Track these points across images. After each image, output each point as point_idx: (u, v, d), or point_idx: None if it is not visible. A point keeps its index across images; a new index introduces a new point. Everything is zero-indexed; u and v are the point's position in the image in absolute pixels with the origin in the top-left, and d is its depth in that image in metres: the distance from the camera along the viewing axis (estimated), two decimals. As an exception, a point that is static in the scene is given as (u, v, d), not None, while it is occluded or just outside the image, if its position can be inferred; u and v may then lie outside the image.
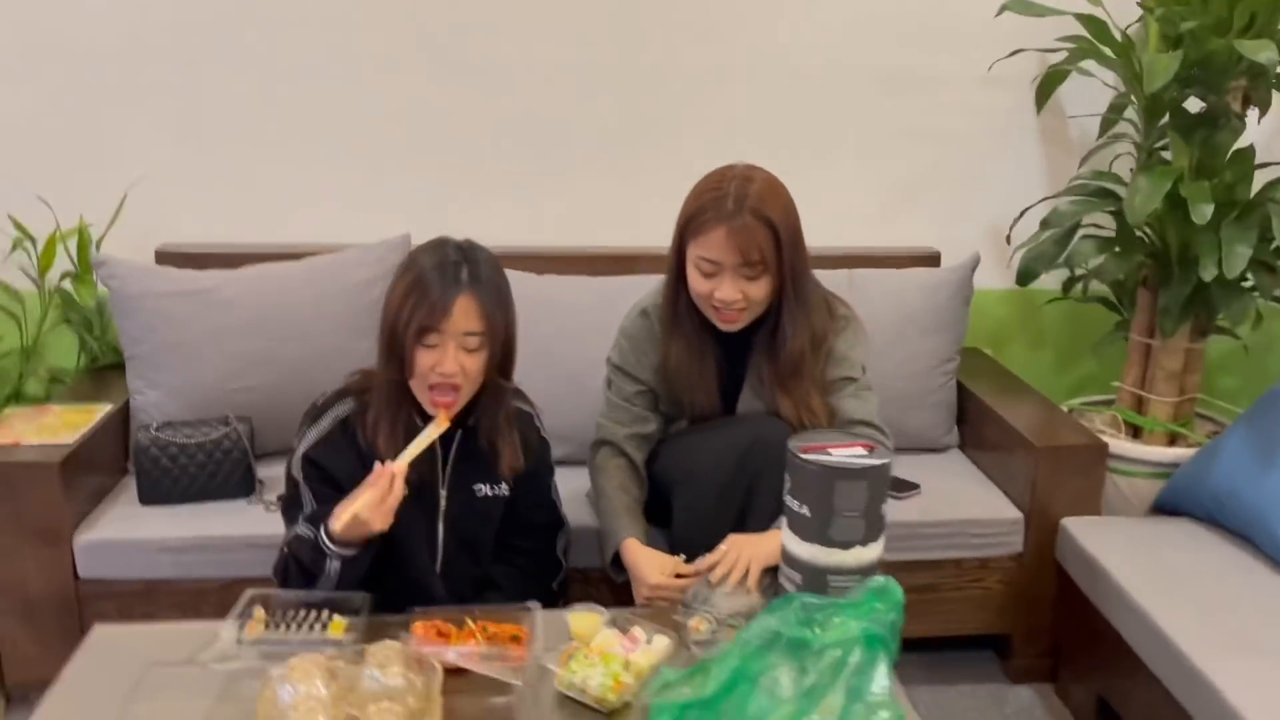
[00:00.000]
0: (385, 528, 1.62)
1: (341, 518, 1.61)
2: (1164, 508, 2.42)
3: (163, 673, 1.52)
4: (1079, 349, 2.99)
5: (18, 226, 2.51)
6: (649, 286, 2.07)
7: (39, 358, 2.63)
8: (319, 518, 1.68)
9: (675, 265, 1.90)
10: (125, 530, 2.17)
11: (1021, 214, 2.70)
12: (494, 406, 1.80)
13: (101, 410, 2.33)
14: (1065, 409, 2.72)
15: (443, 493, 1.80)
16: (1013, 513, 2.35)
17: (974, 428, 2.62)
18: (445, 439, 1.79)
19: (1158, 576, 2.09)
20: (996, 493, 2.42)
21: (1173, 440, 2.66)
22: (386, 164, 2.71)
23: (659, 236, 1.95)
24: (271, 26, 2.60)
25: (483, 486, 1.83)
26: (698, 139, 2.75)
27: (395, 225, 2.52)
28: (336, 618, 1.59)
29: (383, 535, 1.65)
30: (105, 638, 1.63)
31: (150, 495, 2.24)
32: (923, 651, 2.50)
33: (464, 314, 1.67)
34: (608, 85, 2.72)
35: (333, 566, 1.66)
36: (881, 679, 1.36)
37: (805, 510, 1.50)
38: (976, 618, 2.39)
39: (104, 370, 2.58)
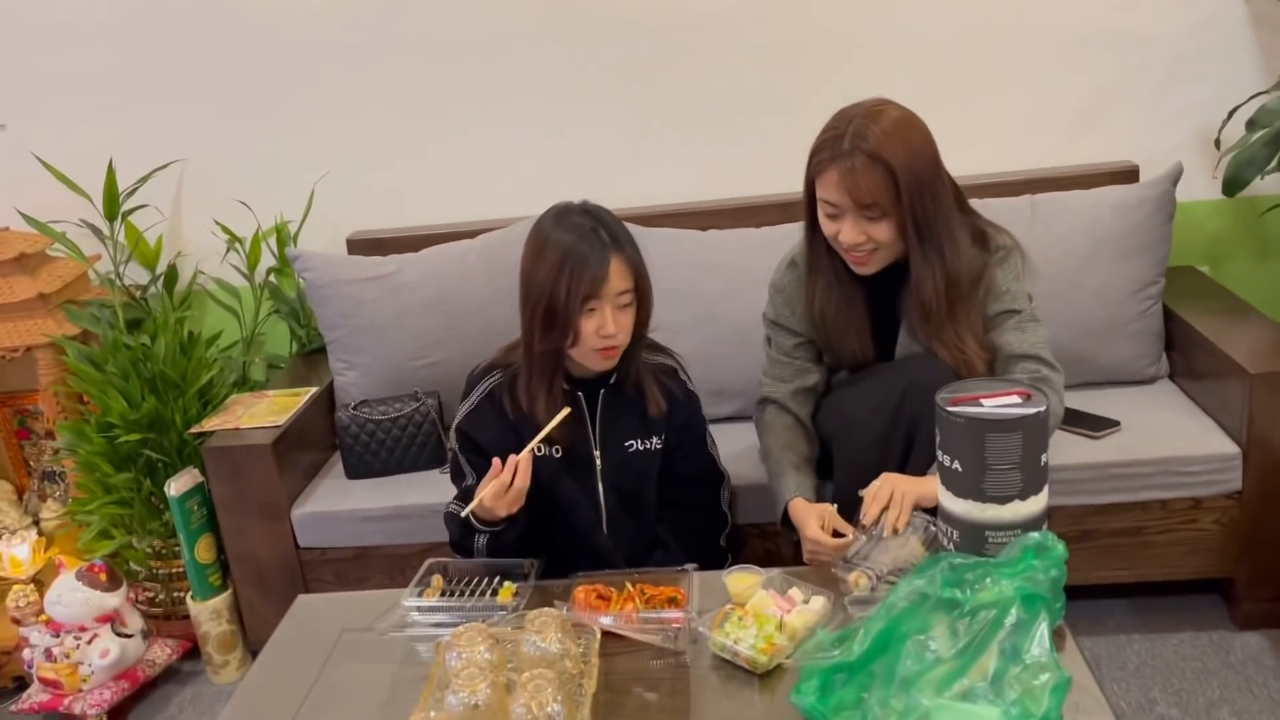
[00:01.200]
0: (510, 513, 1.72)
1: (473, 503, 1.72)
2: None
3: (354, 638, 1.65)
4: (1313, 259, 2.67)
5: (225, 230, 2.75)
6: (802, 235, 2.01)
7: (258, 346, 2.87)
8: (468, 494, 1.79)
9: (808, 207, 1.84)
10: (335, 503, 2.35)
11: (1230, 114, 2.42)
12: (634, 353, 1.84)
13: (308, 392, 2.52)
14: (1295, 328, 2.45)
15: (596, 453, 1.86)
16: (1228, 447, 2.14)
17: (1185, 355, 2.40)
18: (590, 399, 1.85)
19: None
20: (1209, 426, 2.21)
21: None
22: (547, 135, 2.76)
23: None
24: (428, 10, 2.69)
25: (634, 442, 1.87)
26: (858, 68, 2.64)
27: (557, 195, 2.56)
28: (506, 583, 1.68)
29: (526, 512, 1.73)
30: (306, 606, 1.78)
31: (355, 469, 2.43)
32: (1136, 597, 2.35)
33: (618, 275, 1.72)
34: (760, 22, 2.64)
35: (480, 541, 1.79)
36: (1043, 639, 1.28)
37: (957, 465, 1.42)
38: (1191, 561, 2.20)
39: (313, 354, 2.79)
